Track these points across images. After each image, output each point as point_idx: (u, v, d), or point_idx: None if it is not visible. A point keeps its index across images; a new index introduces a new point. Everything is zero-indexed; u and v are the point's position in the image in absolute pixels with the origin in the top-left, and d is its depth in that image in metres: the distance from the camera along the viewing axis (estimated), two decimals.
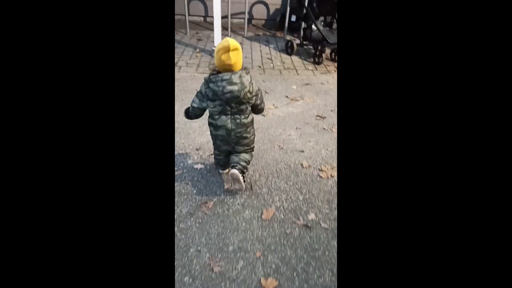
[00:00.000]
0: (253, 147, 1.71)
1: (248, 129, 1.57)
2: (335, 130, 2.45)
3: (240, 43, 4.41)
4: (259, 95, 1.54)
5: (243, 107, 1.48)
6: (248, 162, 1.64)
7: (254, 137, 1.67)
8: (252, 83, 1.45)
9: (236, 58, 1.35)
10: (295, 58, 4.01)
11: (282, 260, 1.37)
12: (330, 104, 2.86)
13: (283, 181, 1.85)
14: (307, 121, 2.55)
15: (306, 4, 4.04)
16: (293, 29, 5.02)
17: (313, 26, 3.74)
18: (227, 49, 1.32)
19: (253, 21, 5.49)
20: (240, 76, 1.37)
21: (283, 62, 3.83)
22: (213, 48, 3.88)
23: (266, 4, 5.31)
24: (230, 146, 1.61)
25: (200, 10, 5.35)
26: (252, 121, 1.59)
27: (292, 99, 2.89)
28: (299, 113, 2.66)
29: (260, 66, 3.68)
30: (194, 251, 1.38)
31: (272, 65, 3.74)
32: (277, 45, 4.46)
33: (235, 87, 1.36)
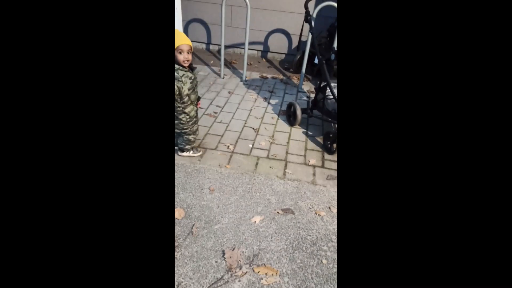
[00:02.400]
0: (186, 132, 1.88)
1: (178, 116, 1.80)
2: None
3: (230, 92, 2.95)
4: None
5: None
6: (183, 144, 1.97)
7: (185, 124, 1.84)
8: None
9: None
10: (297, 132, 2.41)
11: None
12: None
13: None
14: None
15: (332, 56, 2.44)
16: (318, 72, 3.41)
17: (328, 90, 2.12)
18: None
19: (269, 55, 3.99)
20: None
21: (273, 141, 2.27)
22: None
23: (287, 34, 3.78)
24: None
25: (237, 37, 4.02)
26: (176, 107, 1.75)
27: (229, 269, 1.33)
28: None
29: (228, 147, 2.17)
30: None
31: (250, 145, 2.20)
32: (282, 101, 2.90)
33: None
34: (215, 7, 3.66)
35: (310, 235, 1.52)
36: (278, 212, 1.63)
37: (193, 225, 1.51)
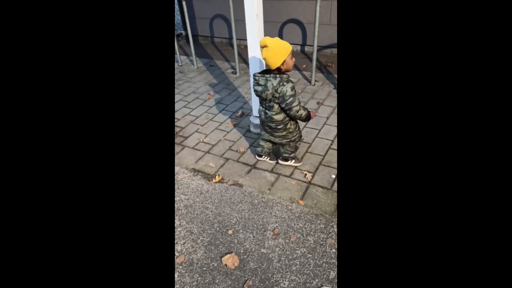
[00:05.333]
0: (294, 139, 1.71)
1: (281, 126, 1.61)
2: None
3: (319, 103, 2.53)
4: (288, 100, 1.48)
5: (271, 104, 1.53)
6: (289, 152, 1.78)
7: (294, 131, 1.67)
8: (276, 88, 1.46)
9: (265, 55, 1.42)
10: None
11: None
12: None
13: None
14: None
15: None
16: None
17: None
18: (260, 46, 1.44)
19: None
20: (267, 80, 1.47)
21: None
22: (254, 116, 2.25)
23: None
24: (267, 134, 1.71)
25: (297, 36, 3.67)
26: (284, 119, 1.59)
27: None
28: None
29: (305, 175, 1.77)
30: None
31: (333, 176, 1.75)
32: None
33: (259, 88, 1.51)
34: (312, 4, 3.24)
35: None
36: None
37: (245, 281, 1.23)
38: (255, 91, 1.55)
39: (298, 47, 3.72)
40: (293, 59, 1.50)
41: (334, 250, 1.33)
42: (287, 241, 1.39)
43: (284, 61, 1.45)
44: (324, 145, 2.02)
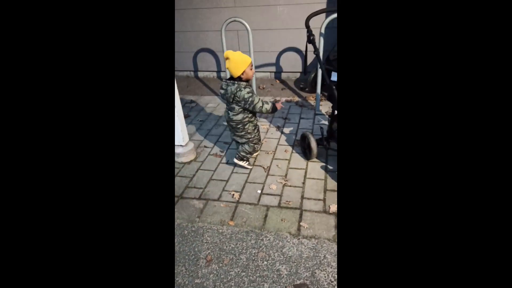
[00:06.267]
0: (252, 140, 1.91)
1: (240, 126, 1.82)
2: None
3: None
4: (248, 100, 1.71)
5: (233, 105, 1.76)
6: (246, 152, 1.95)
7: (252, 133, 1.88)
8: (235, 92, 1.69)
9: (228, 66, 1.68)
10: (314, 167, 2.01)
11: None
12: None
13: None
14: None
15: (321, 56, 2.11)
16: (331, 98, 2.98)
17: None
18: (224, 58, 1.71)
19: (283, 75, 3.65)
20: (227, 85, 1.72)
21: (285, 182, 1.89)
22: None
23: (300, 51, 3.43)
24: (231, 134, 1.93)
25: (212, 64, 3.82)
26: (242, 119, 1.80)
27: None
28: None
29: (233, 195, 1.82)
30: None
31: (259, 191, 1.84)
32: (297, 129, 2.52)
33: (222, 91, 1.77)
34: (218, 34, 3.45)
35: None
36: None
37: None
38: (220, 93, 1.79)
39: (215, 74, 3.87)
40: (253, 69, 1.73)
41: (265, 262, 1.38)
42: (220, 265, 1.39)
43: (244, 71, 1.68)
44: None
